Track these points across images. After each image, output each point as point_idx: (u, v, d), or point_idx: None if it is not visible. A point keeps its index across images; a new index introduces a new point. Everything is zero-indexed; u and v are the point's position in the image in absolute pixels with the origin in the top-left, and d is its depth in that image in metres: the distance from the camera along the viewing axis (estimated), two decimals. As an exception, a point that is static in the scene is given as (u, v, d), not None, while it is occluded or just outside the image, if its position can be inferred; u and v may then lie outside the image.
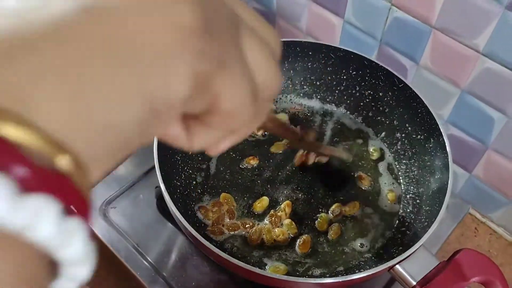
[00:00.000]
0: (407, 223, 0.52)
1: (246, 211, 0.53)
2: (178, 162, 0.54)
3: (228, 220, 0.52)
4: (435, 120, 0.52)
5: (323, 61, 0.61)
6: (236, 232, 0.51)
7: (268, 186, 0.56)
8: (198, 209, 0.53)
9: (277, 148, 0.59)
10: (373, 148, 0.60)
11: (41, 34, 0.13)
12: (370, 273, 0.42)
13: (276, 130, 0.33)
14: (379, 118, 0.61)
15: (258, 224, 0.52)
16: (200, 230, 0.50)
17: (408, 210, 0.54)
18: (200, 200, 0.54)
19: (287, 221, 0.52)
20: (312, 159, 0.54)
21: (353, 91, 0.62)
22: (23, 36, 0.12)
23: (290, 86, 0.64)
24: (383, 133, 0.60)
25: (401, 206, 0.55)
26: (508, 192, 0.63)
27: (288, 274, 0.48)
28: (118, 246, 0.54)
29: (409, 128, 0.57)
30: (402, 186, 0.56)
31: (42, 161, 0.12)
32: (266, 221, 0.52)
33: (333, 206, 0.54)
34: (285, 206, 0.53)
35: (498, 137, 0.58)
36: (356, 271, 0.46)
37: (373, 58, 0.59)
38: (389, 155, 0.59)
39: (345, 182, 0.57)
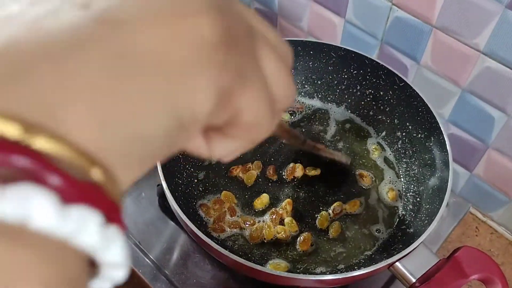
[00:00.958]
0: (407, 221, 0.52)
1: (247, 208, 0.54)
2: (180, 160, 0.54)
3: (229, 217, 0.52)
4: (436, 118, 0.52)
5: (324, 60, 0.62)
6: (237, 230, 0.52)
7: (269, 184, 0.56)
8: (200, 206, 0.53)
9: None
10: (374, 147, 0.60)
11: (65, 46, 0.13)
12: (370, 270, 0.42)
13: (281, 134, 0.33)
14: (380, 117, 0.61)
15: (259, 221, 0.52)
16: (201, 227, 0.50)
17: (408, 208, 0.54)
18: (201, 198, 0.54)
19: (288, 219, 0.52)
20: (300, 171, 0.56)
21: (354, 90, 0.62)
22: (45, 48, 0.12)
23: (291, 85, 0.64)
24: (384, 132, 0.61)
25: (402, 204, 0.55)
26: (509, 191, 0.63)
27: (288, 271, 0.49)
28: (120, 244, 0.54)
29: (410, 126, 0.57)
30: (403, 184, 0.57)
31: (76, 173, 0.12)
32: (267, 218, 0.53)
33: (334, 205, 0.54)
34: (286, 204, 0.53)
35: (498, 136, 0.58)
36: (356, 269, 0.47)
37: (374, 57, 0.59)
38: (390, 154, 0.59)
39: (346, 181, 0.57)
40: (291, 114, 0.63)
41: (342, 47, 0.59)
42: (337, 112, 0.63)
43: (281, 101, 0.19)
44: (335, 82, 0.63)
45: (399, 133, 0.59)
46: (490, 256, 0.62)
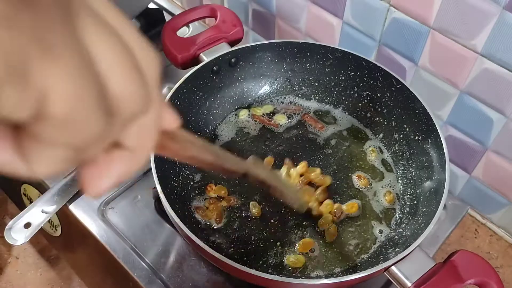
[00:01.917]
0: (404, 224, 0.52)
1: (243, 209, 0.53)
2: (176, 162, 0.54)
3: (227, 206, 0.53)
4: (433, 120, 0.52)
5: (321, 62, 0.61)
6: (238, 210, 0.52)
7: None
8: (196, 210, 0.53)
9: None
10: (371, 149, 0.60)
11: None
12: (366, 274, 0.42)
13: (211, 168, 0.26)
14: (377, 119, 0.61)
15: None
16: (196, 231, 0.50)
17: (405, 211, 0.53)
18: (197, 201, 0.54)
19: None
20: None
21: (351, 92, 0.62)
22: None
23: (288, 87, 0.64)
24: (381, 134, 0.60)
25: (399, 206, 0.54)
26: (508, 193, 0.62)
27: (284, 273, 0.48)
28: (116, 247, 0.54)
29: (407, 129, 0.57)
30: (400, 186, 0.56)
31: None
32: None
33: (334, 206, 0.53)
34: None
35: (497, 138, 0.58)
36: (352, 272, 0.46)
37: (372, 59, 0.59)
38: (387, 156, 0.59)
39: (343, 183, 0.57)
40: (288, 117, 0.63)
41: (339, 49, 0.59)
42: (334, 114, 0.63)
43: (121, 104, 0.15)
44: (332, 84, 0.62)
45: (396, 135, 0.58)
46: (489, 258, 0.62)
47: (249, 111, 0.63)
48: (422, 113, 0.54)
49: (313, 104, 0.64)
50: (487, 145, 0.60)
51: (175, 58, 0.59)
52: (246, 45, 0.60)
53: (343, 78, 0.61)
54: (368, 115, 0.61)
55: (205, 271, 0.52)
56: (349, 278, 0.42)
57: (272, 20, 0.76)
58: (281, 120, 0.62)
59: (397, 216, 0.54)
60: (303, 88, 0.64)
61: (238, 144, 0.60)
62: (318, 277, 0.48)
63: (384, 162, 0.59)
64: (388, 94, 0.58)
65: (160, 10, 0.81)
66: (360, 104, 0.62)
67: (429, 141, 0.53)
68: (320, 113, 0.63)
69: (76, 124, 0.13)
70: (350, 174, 0.57)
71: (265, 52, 0.61)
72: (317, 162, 0.58)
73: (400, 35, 0.59)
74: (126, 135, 0.17)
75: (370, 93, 0.60)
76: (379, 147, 0.60)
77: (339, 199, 0.55)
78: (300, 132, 0.61)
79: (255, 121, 0.62)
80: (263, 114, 0.63)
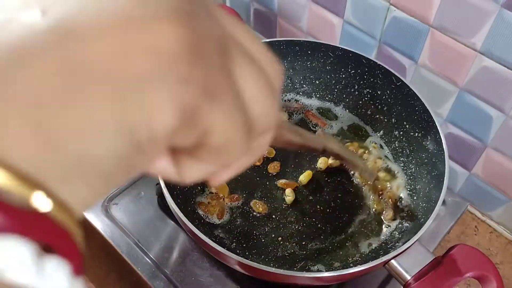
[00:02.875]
0: (405, 219, 0.52)
1: (246, 207, 0.54)
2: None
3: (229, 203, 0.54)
4: (432, 117, 0.53)
5: (322, 60, 0.62)
6: (240, 206, 0.52)
7: (268, 183, 0.56)
8: (198, 205, 0.54)
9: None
10: (371, 146, 0.60)
11: (9, 59, 0.12)
12: (365, 267, 0.42)
13: (298, 148, 0.30)
14: (377, 116, 0.61)
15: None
16: (199, 226, 0.51)
17: (406, 207, 0.54)
18: (200, 196, 0.55)
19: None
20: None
21: (352, 90, 0.62)
22: None
23: (290, 85, 0.65)
24: (382, 131, 0.61)
25: (399, 202, 0.55)
26: (508, 190, 0.63)
27: (286, 267, 0.49)
28: (120, 242, 0.54)
29: (407, 126, 0.58)
30: (400, 183, 0.57)
31: (16, 200, 0.11)
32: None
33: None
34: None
35: (496, 135, 0.59)
36: (352, 266, 0.47)
37: (372, 57, 0.59)
38: (388, 152, 0.60)
39: (343, 179, 0.57)
40: (289, 115, 0.63)
41: (339, 47, 0.60)
42: (335, 111, 0.64)
43: (260, 124, 0.17)
44: (333, 81, 0.63)
45: (396, 132, 0.59)
46: (489, 255, 0.62)
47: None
48: (422, 110, 0.54)
49: (314, 102, 0.65)
50: (486, 142, 0.60)
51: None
52: (248, 43, 0.60)
53: (343, 76, 0.62)
54: (369, 112, 0.62)
55: (208, 265, 0.53)
56: (350, 271, 0.42)
57: (274, 19, 0.77)
58: (282, 117, 0.63)
59: (397, 211, 0.54)
60: (304, 86, 0.65)
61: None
62: (318, 271, 0.49)
63: (384, 158, 0.59)
64: (388, 91, 0.59)
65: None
66: (360, 102, 0.62)
67: (429, 138, 0.54)
68: (321, 110, 0.64)
69: (227, 150, 0.16)
70: (350, 171, 0.58)
71: (267, 50, 0.62)
72: (317, 159, 0.59)
73: (400, 33, 0.60)
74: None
75: (370, 91, 0.61)
76: (380, 144, 0.61)
77: (339, 195, 0.56)
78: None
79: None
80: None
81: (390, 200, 0.55)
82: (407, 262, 0.43)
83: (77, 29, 0.13)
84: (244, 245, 0.51)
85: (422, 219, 0.47)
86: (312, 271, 0.49)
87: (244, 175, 0.57)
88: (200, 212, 0.53)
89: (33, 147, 0.12)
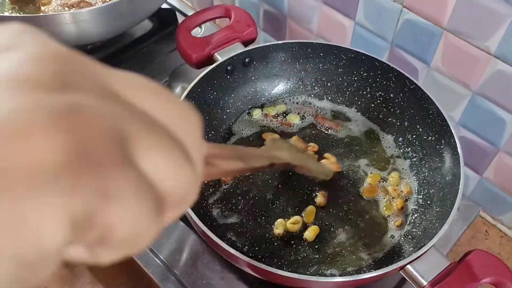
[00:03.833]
0: (418, 224, 0.52)
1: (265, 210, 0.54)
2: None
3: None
4: (446, 121, 0.52)
5: (334, 62, 0.62)
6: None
7: (286, 187, 0.56)
8: (212, 204, 0.53)
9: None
10: (383, 150, 0.60)
11: None
12: (381, 273, 0.42)
13: (241, 173, 0.30)
14: (390, 119, 0.61)
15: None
16: (212, 228, 0.51)
17: (419, 211, 0.54)
18: (212, 197, 0.54)
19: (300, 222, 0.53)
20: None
21: (364, 92, 0.62)
22: None
23: (301, 87, 0.65)
24: (394, 134, 0.61)
25: (412, 207, 0.55)
26: (519, 194, 0.62)
27: (299, 271, 0.49)
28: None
29: (420, 129, 0.57)
30: (413, 187, 0.56)
31: None
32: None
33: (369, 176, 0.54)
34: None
35: (509, 139, 0.58)
36: (367, 271, 0.47)
37: (384, 60, 0.59)
38: (400, 156, 0.59)
39: (356, 182, 0.57)
40: (301, 118, 0.63)
41: (352, 49, 0.60)
42: (347, 114, 0.63)
43: (174, 193, 0.16)
44: (345, 84, 0.63)
45: (409, 135, 0.59)
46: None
47: (262, 110, 0.63)
48: (436, 113, 0.54)
49: (325, 104, 0.64)
50: (499, 146, 0.60)
51: (189, 57, 0.60)
52: (260, 45, 0.60)
53: (356, 78, 0.62)
54: (381, 115, 0.62)
55: (219, 268, 0.52)
56: (365, 277, 0.42)
57: (284, 20, 0.76)
58: (294, 120, 0.62)
59: (410, 216, 0.54)
60: (316, 88, 0.64)
61: (251, 143, 0.60)
62: (332, 275, 0.49)
63: (397, 162, 0.59)
64: (401, 94, 0.59)
65: (172, 10, 0.81)
66: (372, 105, 0.62)
67: (443, 142, 0.54)
68: (333, 113, 0.64)
69: (137, 236, 0.15)
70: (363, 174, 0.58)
71: (279, 52, 0.61)
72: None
73: (412, 36, 0.60)
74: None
75: (383, 94, 0.61)
76: (392, 148, 0.60)
77: (352, 198, 0.55)
78: (313, 132, 0.62)
79: (269, 120, 0.62)
80: (276, 114, 0.63)
81: (402, 204, 0.54)
82: (423, 267, 0.43)
83: None
84: (257, 248, 0.51)
85: (437, 224, 0.47)
86: (325, 275, 0.49)
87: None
88: (213, 210, 0.53)
89: None
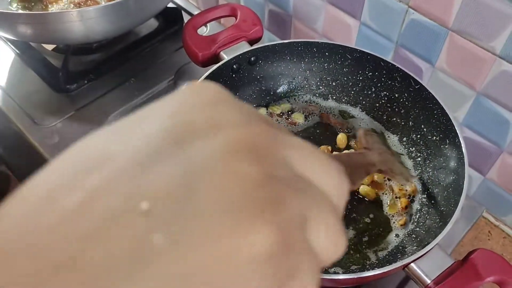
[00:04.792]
0: (421, 223, 0.52)
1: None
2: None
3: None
4: (451, 121, 0.53)
5: (339, 62, 0.62)
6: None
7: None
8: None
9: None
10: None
11: (125, 265, 0.12)
12: (385, 271, 0.42)
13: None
14: (394, 119, 0.61)
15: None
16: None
17: (423, 210, 0.54)
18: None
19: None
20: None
21: (369, 92, 0.62)
22: (106, 267, 0.12)
23: (306, 86, 0.65)
24: (399, 134, 0.61)
25: (416, 206, 0.55)
26: (523, 195, 0.63)
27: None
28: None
29: (425, 129, 0.58)
30: (417, 186, 0.57)
31: None
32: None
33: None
34: None
35: (513, 140, 0.58)
36: (370, 269, 0.47)
37: (389, 60, 0.59)
38: (405, 156, 0.60)
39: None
40: (305, 117, 0.63)
41: (357, 49, 0.60)
42: (352, 113, 0.64)
43: (326, 257, 0.17)
44: (350, 83, 0.63)
45: (414, 135, 0.59)
46: (503, 260, 0.62)
47: (267, 109, 0.64)
48: (440, 113, 0.54)
49: (330, 104, 0.65)
50: (502, 147, 0.60)
51: (196, 56, 0.60)
52: (266, 44, 0.60)
53: (361, 78, 0.62)
54: (386, 115, 0.62)
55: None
56: (368, 274, 0.42)
57: (289, 20, 0.77)
58: (298, 118, 0.63)
59: (414, 215, 0.54)
60: (321, 87, 0.65)
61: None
62: (335, 273, 0.49)
63: (401, 162, 0.59)
64: (406, 94, 0.59)
65: (178, 9, 0.82)
66: (377, 104, 0.62)
67: (447, 142, 0.54)
68: (338, 112, 0.64)
69: None
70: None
71: (284, 51, 0.62)
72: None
73: (418, 36, 0.60)
74: None
75: (388, 94, 0.61)
76: (397, 147, 0.60)
77: (356, 198, 0.56)
78: (318, 130, 0.62)
79: (274, 118, 0.63)
80: (281, 113, 0.63)
81: (406, 204, 0.55)
82: (427, 266, 0.43)
83: (179, 238, 0.13)
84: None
85: (441, 223, 0.47)
86: (329, 273, 0.49)
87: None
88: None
89: None
